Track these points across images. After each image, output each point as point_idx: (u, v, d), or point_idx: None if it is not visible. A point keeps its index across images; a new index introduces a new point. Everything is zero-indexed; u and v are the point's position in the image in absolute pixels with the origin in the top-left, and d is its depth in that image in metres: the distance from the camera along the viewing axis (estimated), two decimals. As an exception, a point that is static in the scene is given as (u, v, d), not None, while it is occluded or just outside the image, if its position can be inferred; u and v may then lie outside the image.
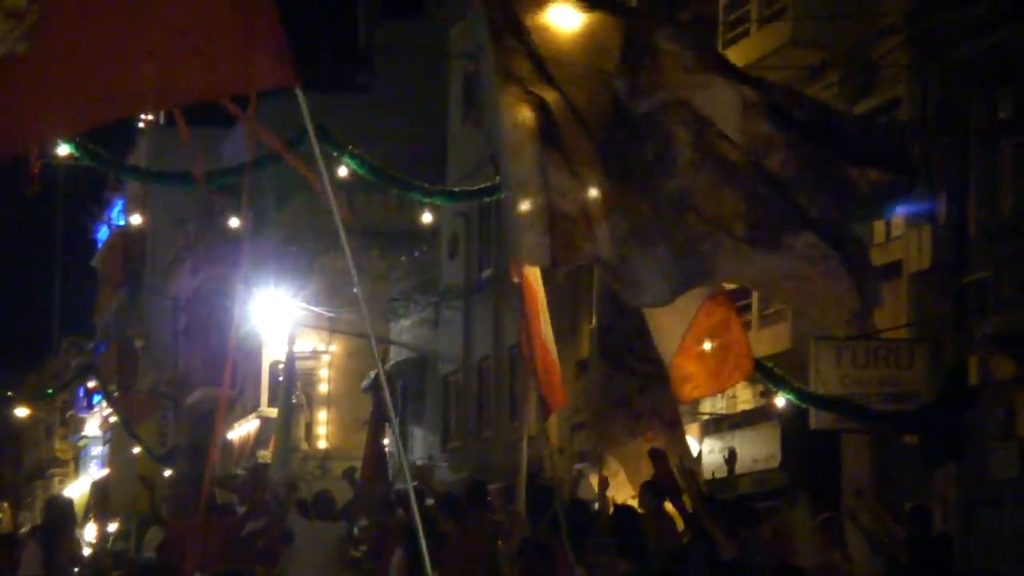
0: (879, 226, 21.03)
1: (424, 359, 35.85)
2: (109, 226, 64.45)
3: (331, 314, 36.93)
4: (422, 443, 36.13)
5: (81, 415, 65.60)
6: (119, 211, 62.53)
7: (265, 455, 37.83)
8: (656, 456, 14.17)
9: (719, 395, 23.56)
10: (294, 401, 35.78)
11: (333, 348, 39.62)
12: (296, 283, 37.09)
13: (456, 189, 24.70)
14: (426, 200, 23.12)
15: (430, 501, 17.67)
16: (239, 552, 15.90)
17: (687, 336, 13.27)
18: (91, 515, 53.94)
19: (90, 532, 51.44)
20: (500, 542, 14.61)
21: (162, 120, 55.58)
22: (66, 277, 66.66)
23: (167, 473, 45.90)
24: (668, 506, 14.50)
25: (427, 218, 33.68)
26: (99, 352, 62.16)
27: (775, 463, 21.94)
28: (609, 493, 15.53)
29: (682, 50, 9.62)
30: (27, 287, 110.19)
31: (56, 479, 68.37)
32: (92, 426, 63.71)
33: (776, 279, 9.93)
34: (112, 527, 52.39)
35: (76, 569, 16.95)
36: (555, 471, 26.61)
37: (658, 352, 13.62)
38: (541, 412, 19.46)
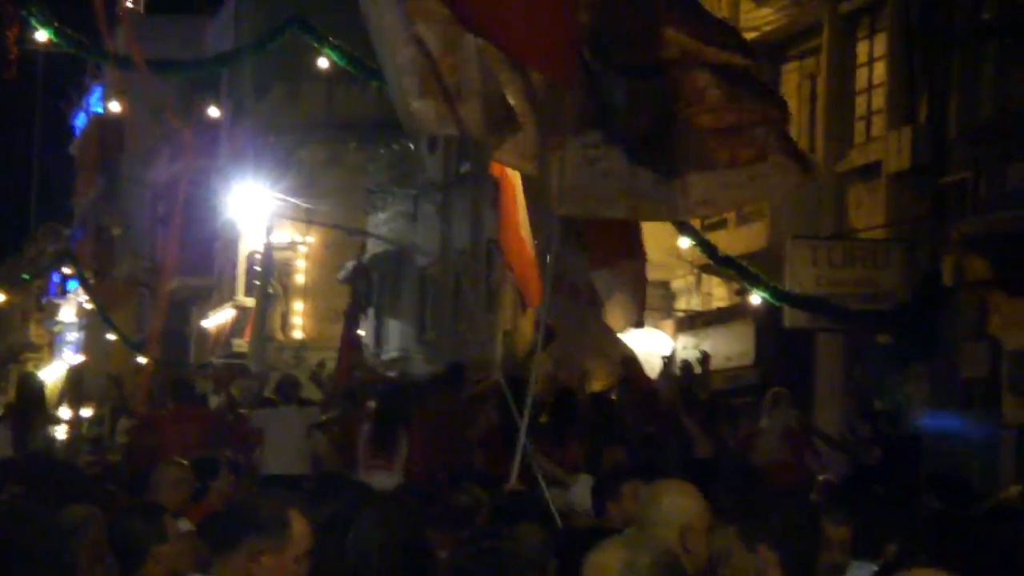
0: (859, 126, 21.00)
1: (401, 252, 35.78)
2: (87, 113, 64.01)
3: (308, 205, 36.84)
4: (398, 336, 36.14)
5: (57, 301, 65.49)
6: (98, 98, 62.09)
7: (241, 344, 37.82)
8: (627, 361, 14.23)
9: (694, 292, 23.63)
10: (270, 291, 35.75)
11: (310, 239, 39.54)
12: (274, 174, 36.94)
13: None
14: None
15: None
16: (215, 440, 15.89)
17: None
18: (65, 400, 53.95)
19: (64, 416, 51.51)
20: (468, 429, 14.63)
21: (142, 8, 55.14)
22: (44, 163, 66.21)
23: (142, 360, 45.91)
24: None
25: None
26: (76, 239, 61.99)
27: (748, 361, 22.01)
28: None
29: None
30: (4, 173, 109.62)
31: (30, 363, 68.24)
32: (68, 312, 63.66)
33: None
34: (86, 413, 52.47)
35: (47, 450, 16.93)
36: (530, 364, 26.71)
37: None
38: (518, 306, 19.52)
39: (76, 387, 54.68)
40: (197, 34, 44.39)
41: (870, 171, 20.33)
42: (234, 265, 42.21)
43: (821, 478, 14.15)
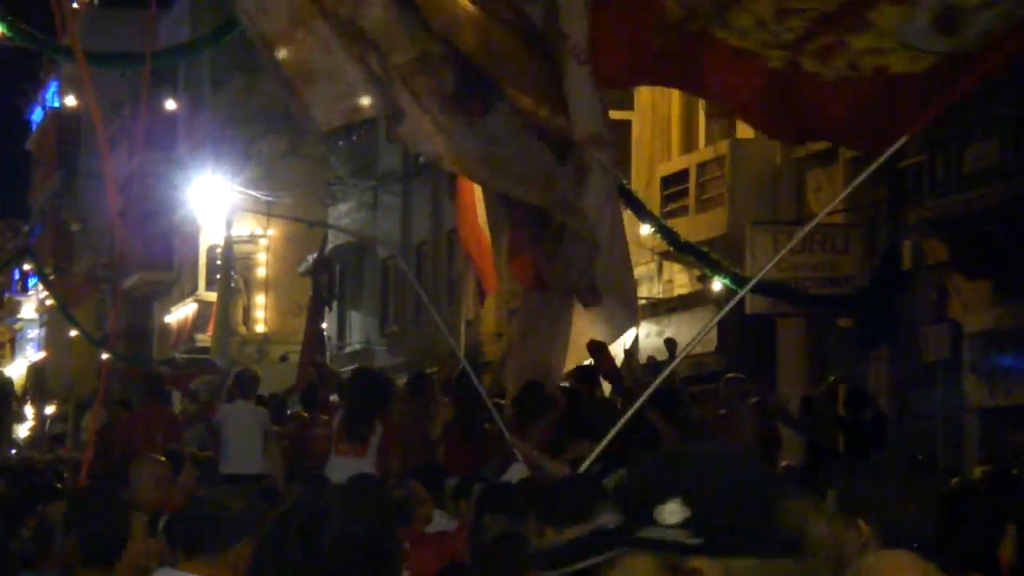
0: (816, 111, 21.04)
1: (362, 243, 35.75)
2: (43, 108, 63.71)
3: (268, 198, 36.74)
4: (360, 328, 36.12)
5: (17, 297, 65.25)
6: (54, 92, 61.81)
7: (204, 338, 37.76)
8: (595, 347, 14.21)
9: (655, 280, 23.68)
10: (232, 285, 35.70)
11: (271, 232, 39.46)
12: (233, 167, 36.84)
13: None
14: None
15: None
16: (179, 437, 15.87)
17: None
18: (28, 398, 53.79)
19: (27, 414, 51.35)
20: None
21: (95, 1, 54.88)
22: (0, 159, 65.78)
23: (104, 356, 45.77)
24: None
25: (365, 102, 33.39)
26: (34, 234, 61.72)
27: (711, 347, 22.04)
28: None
29: None
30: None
31: (-8, 362, 68.12)
32: (28, 309, 63.41)
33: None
34: (49, 410, 52.33)
35: (14, 451, 16.90)
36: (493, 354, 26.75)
37: None
38: (480, 295, 19.54)
39: (39, 384, 54.56)
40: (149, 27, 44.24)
41: (828, 156, 20.39)
42: (195, 259, 42.09)
43: (783, 463, 14.24)
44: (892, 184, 19.08)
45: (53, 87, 61.57)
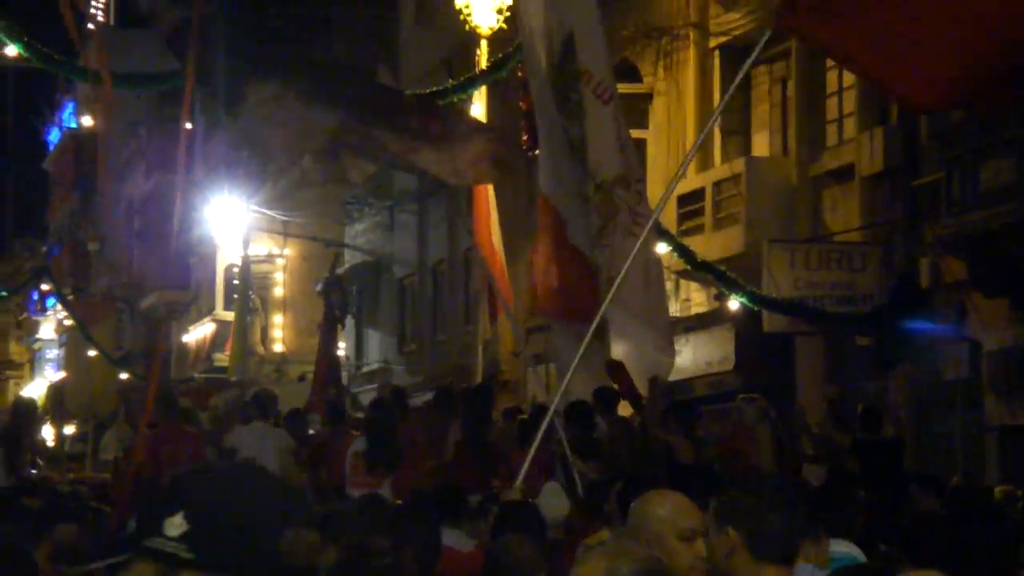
0: (831, 129, 21.04)
1: (379, 262, 35.76)
2: (60, 128, 63.84)
3: (285, 218, 36.77)
4: (378, 346, 36.11)
5: (36, 318, 65.27)
6: (70, 113, 61.94)
7: (221, 358, 37.75)
8: (613, 367, 14.18)
9: (672, 298, 23.62)
10: (250, 305, 35.69)
11: (288, 252, 39.48)
12: (250, 187, 36.85)
13: (407, 92, 24.54)
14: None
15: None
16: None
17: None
18: (47, 417, 53.85)
19: (47, 434, 51.36)
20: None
21: (112, 21, 55.00)
22: (18, 179, 65.99)
23: (123, 376, 45.83)
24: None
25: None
26: (52, 254, 61.79)
27: (729, 366, 22.01)
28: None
29: None
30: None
31: (11, 381, 68.17)
32: (47, 329, 63.43)
33: None
34: (69, 429, 52.36)
35: (34, 471, 16.90)
36: (511, 374, 26.73)
37: None
38: (492, 315, 19.56)
39: (58, 404, 54.60)
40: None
41: (844, 174, 20.37)
42: (212, 279, 42.11)
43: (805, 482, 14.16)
44: (909, 202, 19.04)
45: (70, 107, 61.71)
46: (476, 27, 22.90)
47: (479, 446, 14.16)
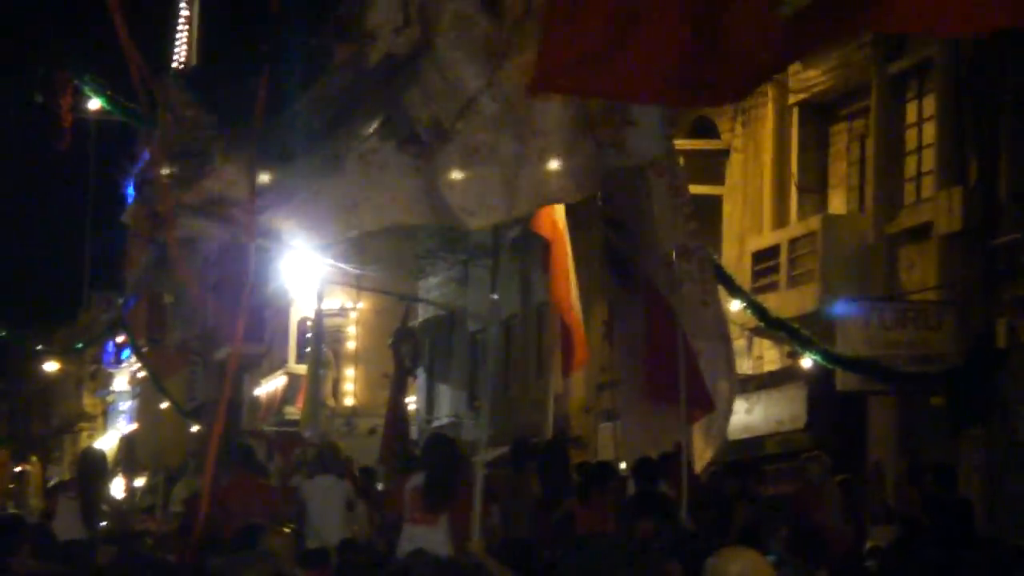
0: (909, 187, 21.01)
1: (452, 317, 35.88)
2: (145, 177, 64.38)
3: (359, 271, 36.94)
4: (449, 400, 36.19)
5: (110, 370, 65.79)
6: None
7: (292, 411, 37.95)
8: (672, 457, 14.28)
9: (745, 356, 23.61)
10: (322, 358, 35.86)
11: (360, 305, 39.66)
12: (324, 241, 37.05)
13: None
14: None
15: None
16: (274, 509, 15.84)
17: None
18: (119, 469, 54.23)
19: (118, 486, 51.71)
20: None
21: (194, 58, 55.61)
22: (96, 232, 66.66)
23: (194, 429, 46.09)
24: None
25: (454, 176, 33.60)
26: (128, 307, 62.33)
27: (800, 424, 21.95)
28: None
29: None
30: (58, 242, 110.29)
31: (85, 433, 68.70)
32: (121, 381, 63.94)
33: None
34: (139, 482, 52.67)
35: (105, 523, 17.01)
36: (581, 429, 26.71)
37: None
38: (564, 369, 19.61)
39: (130, 457, 55.00)
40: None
41: (921, 232, 20.31)
42: (285, 332, 42.35)
43: (871, 543, 14.11)
44: (986, 262, 18.96)
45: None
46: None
47: (555, 503, 14.24)
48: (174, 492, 39.17)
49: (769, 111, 23.30)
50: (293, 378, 40.20)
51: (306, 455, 19.43)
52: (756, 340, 23.19)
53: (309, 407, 32.26)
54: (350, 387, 40.08)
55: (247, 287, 11.29)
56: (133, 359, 56.53)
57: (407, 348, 22.09)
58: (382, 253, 36.69)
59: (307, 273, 35.87)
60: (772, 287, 21.64)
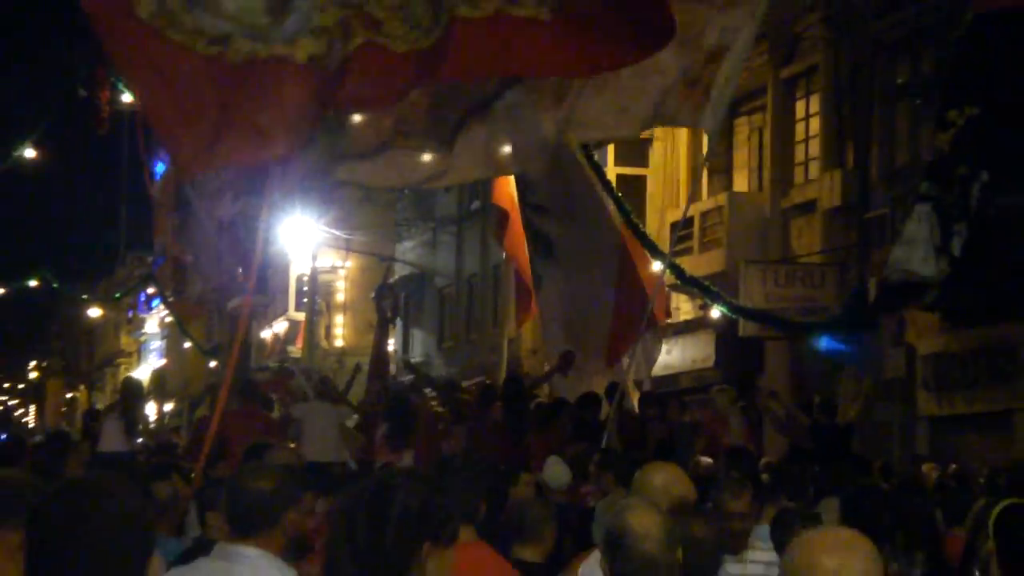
0: (799, 170, 21.03)
1: (423, 275, 35.81)
2: (164, 161, 63.96)
3: (347, 236, 36.79)
4: (421, 343, 36.17)
5: (142, 315, 65.45)
6: (174, 149, 62.06)
7: (294, 350, 37.85)
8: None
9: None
10: (316, 307, 35.77)
11: (349, 264, 39.50)
12: (318, 210, 36.88)
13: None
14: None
15: (429, 391, 17.71)
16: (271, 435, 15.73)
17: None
18: (151, 397, 53.99)
19: (151, 410, 51.46)
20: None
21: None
22: (130, 205, 66.24)
23: (212, 364, 45.91)
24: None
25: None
26: (157, 265, 61.96)
27: (710, 363, 22.01)
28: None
29: None
30: (100, 211, 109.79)
31: (123, 367, 68.33)
32: (152, 324, 63.63)
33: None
34: (168, 407, 52.49)
35: (141, 440, 16.95)
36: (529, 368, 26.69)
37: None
38: (517, 319, 19.52)
39: (160, 387, 54.76)
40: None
41: (808, 207, 20.36)
42: (286, 286, 42.17)
43: (764, 459, 14.15)
44: (861, 232, 19.03)
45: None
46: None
47: (517, 428, 14.25)
48: (196, 415, 38.99)
49: (685, 106, 23.21)
50: (293, 323, 40.05)
51: (302, 386, 19.24)
52: (674, 295, 23.18)
53: (306, 348, 32.19)
54: (340, 331, 39.94)
55: (256, 249, 11.07)
56: (161, 307, 56.25)
57: (387, 301, 21.92)
58: (367, 220, 36.59)
59: (303, 237, 35.75)
60: (687, 251, 21.65)
